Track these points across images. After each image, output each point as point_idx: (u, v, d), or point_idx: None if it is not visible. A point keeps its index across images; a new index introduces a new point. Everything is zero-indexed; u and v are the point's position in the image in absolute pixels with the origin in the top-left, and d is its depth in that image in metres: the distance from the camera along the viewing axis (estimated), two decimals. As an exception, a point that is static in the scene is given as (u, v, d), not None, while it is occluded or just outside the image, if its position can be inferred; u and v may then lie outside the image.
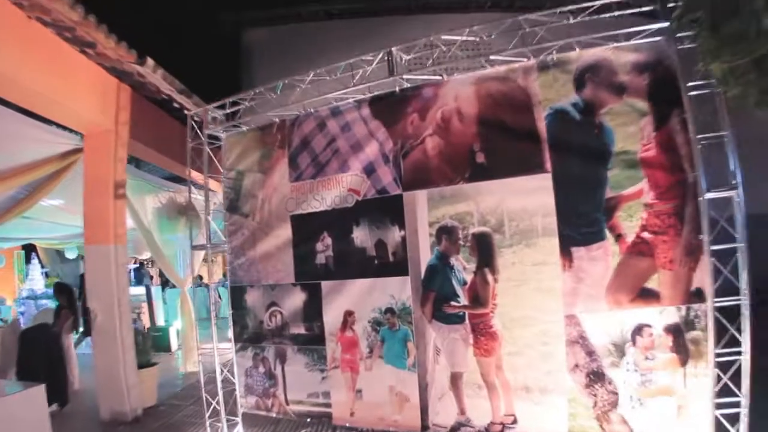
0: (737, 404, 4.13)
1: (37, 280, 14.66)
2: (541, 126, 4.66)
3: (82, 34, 6.11)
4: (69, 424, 7.35)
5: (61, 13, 5.66)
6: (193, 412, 7.44)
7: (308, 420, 6.14)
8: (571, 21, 4.63)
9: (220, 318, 7.35)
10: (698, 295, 4.19)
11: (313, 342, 6.01)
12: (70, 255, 15.51)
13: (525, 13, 4.76)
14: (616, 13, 4.48)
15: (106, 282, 7.40)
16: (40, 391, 5.25)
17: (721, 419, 4.13)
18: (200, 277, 14.57)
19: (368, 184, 5.58)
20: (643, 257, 4.34)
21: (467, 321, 5.04)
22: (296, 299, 6.10)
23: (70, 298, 9.23)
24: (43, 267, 15.71)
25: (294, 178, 6.11)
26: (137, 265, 17.21)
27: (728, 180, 4.09)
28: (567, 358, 4.54)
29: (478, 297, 4.95)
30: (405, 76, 5.31)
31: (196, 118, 6.61)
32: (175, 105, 8.25)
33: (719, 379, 4.13)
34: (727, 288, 4.14)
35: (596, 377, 4.48)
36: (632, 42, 4.42)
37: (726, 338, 4.13)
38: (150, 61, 7.04)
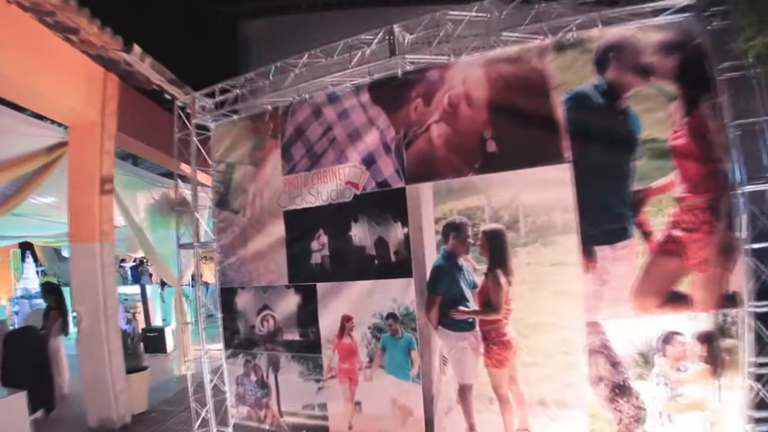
0: (775, 419, 3.81)
1: (31, 279, 14.51)
2: (560, 111, 4.33)
3: (64, 19, 5.83)
4: (54, 431, 7.17)
5: (40, -5, 5.30)
6: (184, 418, 7.13)
7: (303, 433, 5.79)
8: (591, -6, 4.29)
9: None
10: (733, 300, 3.89)
11: (308, 349, 5.69)
12: (67, 253, 14.95)
13: (539, -13, 4.40)
14: (641, -14, 4.12)
15: (92, 282, 7.12)
16: (21, 398, 5.19)
17: (757, 436, 3.81)
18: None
19: (368, 177, 5.26)
20: (673, 257, 4.01)
21: (477, 328, 4.72)
22: (290, 302, 5.78)
23: (59, 299, 8.91)
24: (39, 265, 15.43)
25: (287, 170, 5.80)
26: (135, 263, 16.89)
27: (766, 171, 3.79)
28: (589, 370, 4.23)
29: (490, 301, 4.63)
30: (408, 57, 4.92)
31: (183, 107, 6.35)
32: (167, 96, 7.91)
33: (755, 392, 3.82)
34: (765, 291, 3.84)
35: (621, 391, 4.15)
36: (659, 18, 4.10)
37: (763, 347, 3.84)
38: (137, 49, 6.74)
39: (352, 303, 5.41)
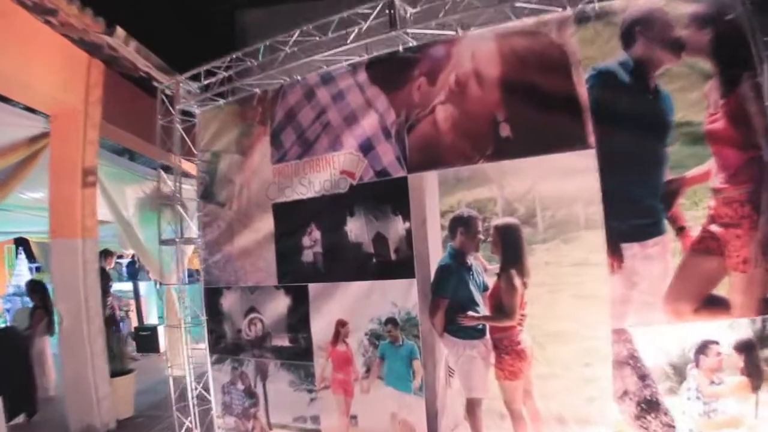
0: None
1: (24, 276, 14.04)
2: (582, 91, 3.96)
3: (42, -1, 5.44)
4: (34, 437, 6.91)
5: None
6: (172, 425, 6.60)
7: (294, 447, 5.50)
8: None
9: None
10: (777, 305, 3.53)
11: (298, 357, 5.35)
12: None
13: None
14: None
15: (73, 281, 6.77)
16: (-4, 402, 4.94)
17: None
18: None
19: (365, 165, 4.92)
20: (711, 256, 3.65)
21: (488, 335, 4.39)
22: (279, 305, 5.44)
23: (44, 298, 8.59)
24: (34, 261, 15.08)
25: (277, 158, 5.45)
26: (132, 259, 16.58)
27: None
28: (614, 383, 3.88)
29: (502, 306, 4.28)
30: (410, 31, 4.50)
31: (167, 92, 5.98)
32: (155, 84, 7.39)
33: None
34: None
35: (649, 406, 3.80)
36: (691, -14, 3.74)
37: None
38: (120, 32, 6.36)
39: (348, 306, 5.08)
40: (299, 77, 5.31)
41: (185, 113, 6.02)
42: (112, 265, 12.57)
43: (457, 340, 4.51)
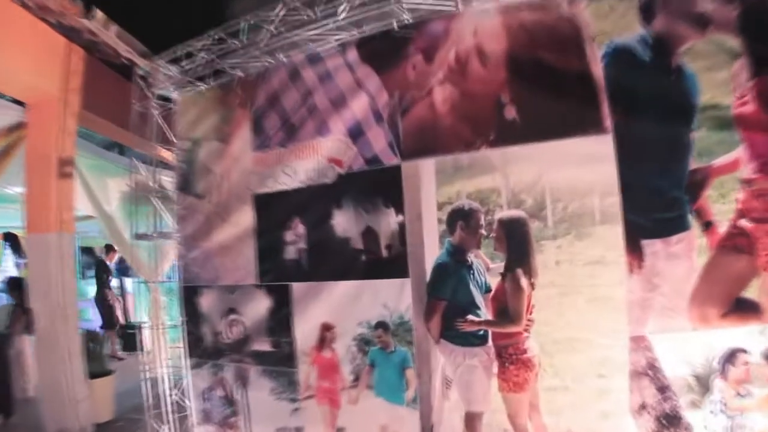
0: None
1: (10, 272, 13.65)
2: (597, 69, 3.67)
3: (15, -22, 5.19)
4: (10, 438, 6.69)
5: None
6: (153, 430, 6.44)
7: (278, 461, 5.27)
8: None
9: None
10: (813, 310, 3.32)
11: (280, 363, 5.06)
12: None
13: None
14: None
15: (48, 277, 6.48)
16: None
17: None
18: None
19: (354, 152, 4.62)
20: (740, 254, 3.39)
21: (490, 343, 4.07)
22: (259, 306, 5.14)
23: (24, 295, 8.08)
24: (22, 257, 14.74)
25: (258, 146, 5.18)
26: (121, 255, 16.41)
27: None
28: (631, 396, 3.63)
29: (507, 309, 3.94)
30: (405, 3, 4.20)
31: (145, 76, 5.74)
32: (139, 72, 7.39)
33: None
34: None
35: (669, 421, 3.55)
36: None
37: None
38: (99, 14, 5.99)
39: (334, 308, 4.78)
40: (284, 58, 5.03)
41: (164, 99, 5.79)
42: (115, 259, 12.38)
43: (455, 347, 4.17)
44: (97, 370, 7.21)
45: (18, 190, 8.16)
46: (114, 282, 13.71)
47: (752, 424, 3.44)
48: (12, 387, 7.40)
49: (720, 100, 3.43)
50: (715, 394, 3.49)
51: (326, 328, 4.80)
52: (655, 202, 3.61)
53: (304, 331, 4.94)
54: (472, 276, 4.13)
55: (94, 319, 11.26)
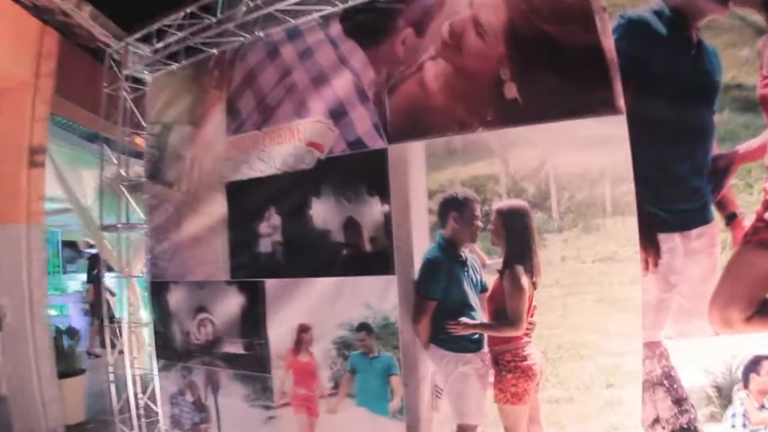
0: None
1: None
2: (608, 43, 3.36)
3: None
4: (-26, 440, 6.49)
5: None
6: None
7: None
8: None
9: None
10: None
11: (253, 367, 4.73)
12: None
13: None
14: None
15: (16, 271, 6.27)
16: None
17: None
18: None
19: (336, 135, 4.27)
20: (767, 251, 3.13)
21: (486, 348, 3.73)
22: (231, 304, 4.81)
23: None
24: None
25: (232, 129, 4.84)
26: None
27: None
28: (643, 409, 3.34)
29: (505, 311, 3.57)
30: None
31: (116, 57, 5.46)
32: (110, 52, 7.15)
33: None
34: None
35: None
36: None
37: None
38: None
39: (312, 308, 4.45)
40: (262, 34, 4.70)
41: (136, 81, 5.53)
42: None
43: (446, 352, 3.83)
44: (68, 369, 6.96)
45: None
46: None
47: (775, 438, 3.21)
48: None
49: (744, 80, 3.15)
50: (737, 407, 3.23)
51: (303, 329, 4.47)
52: (673, 192, 3.32)
53: (279, 332, 4.62)
54: (466, 273, 3.80)
55: (73, 315, 11.04)
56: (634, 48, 3.38)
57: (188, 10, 4.80)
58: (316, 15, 4.39)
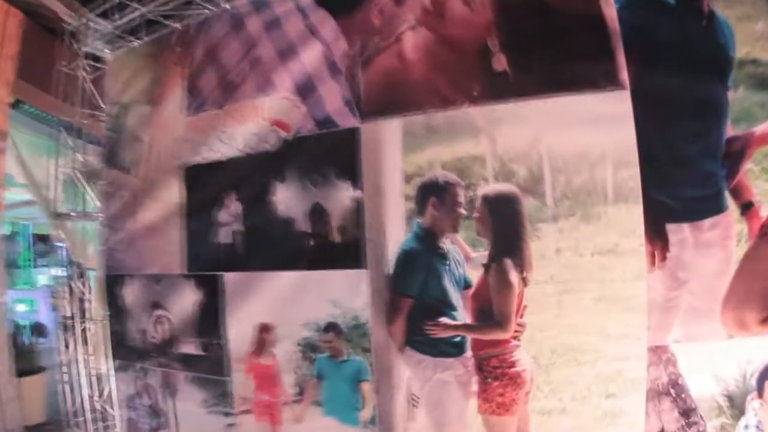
0: None
1: None
2: (610, 12, 3.07)
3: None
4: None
5: None
6: None
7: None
8: None
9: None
10: None
11: (211, 369, 4.34)
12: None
13: None
14: None
15: None
16: None
17: None
18: None
19: (303, 113, 3.87)
20: None
21: (469, 352, 3.36)
22: (187, 300, 4.43)
23: None
24: None
25: (193, 108, 4.47)
26: None
27: None
28: (647, 420, 3.06)
29: (491, 310, 3.20)
30: None
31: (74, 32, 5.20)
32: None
33: None
34: None
35: None
36: None
37: None
38: None
39: (274, 305, 4.06)
40: (227, 5, 4.39)
41: (95, 59, 5.20)
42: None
43: (424, 357, 3.46)
44: (27, 367, 6.66)
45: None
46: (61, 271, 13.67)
47: (793, 453, 3.00)
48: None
49: (759, 55, 2.92)
50: (750, 418, 2.96)
51: (265, 329, 4.09)
52: (683, 177, 3.02)
53: (239, 332, 4.24)
54: (446, 267, 3.43)
55: (42, 310, 10.68)
56: (639, 16, 3.10)
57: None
58: (286, -17, 3.93)
